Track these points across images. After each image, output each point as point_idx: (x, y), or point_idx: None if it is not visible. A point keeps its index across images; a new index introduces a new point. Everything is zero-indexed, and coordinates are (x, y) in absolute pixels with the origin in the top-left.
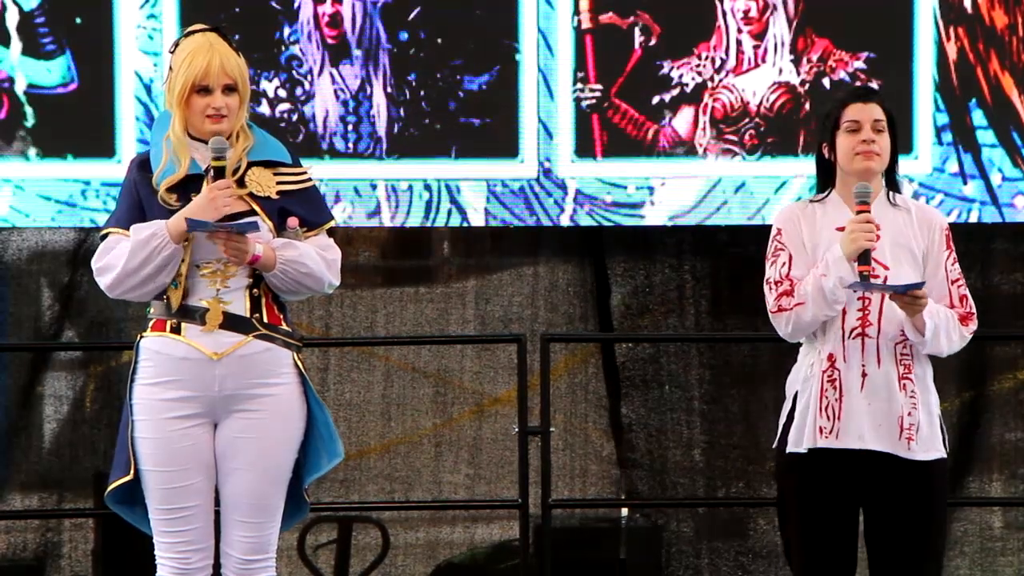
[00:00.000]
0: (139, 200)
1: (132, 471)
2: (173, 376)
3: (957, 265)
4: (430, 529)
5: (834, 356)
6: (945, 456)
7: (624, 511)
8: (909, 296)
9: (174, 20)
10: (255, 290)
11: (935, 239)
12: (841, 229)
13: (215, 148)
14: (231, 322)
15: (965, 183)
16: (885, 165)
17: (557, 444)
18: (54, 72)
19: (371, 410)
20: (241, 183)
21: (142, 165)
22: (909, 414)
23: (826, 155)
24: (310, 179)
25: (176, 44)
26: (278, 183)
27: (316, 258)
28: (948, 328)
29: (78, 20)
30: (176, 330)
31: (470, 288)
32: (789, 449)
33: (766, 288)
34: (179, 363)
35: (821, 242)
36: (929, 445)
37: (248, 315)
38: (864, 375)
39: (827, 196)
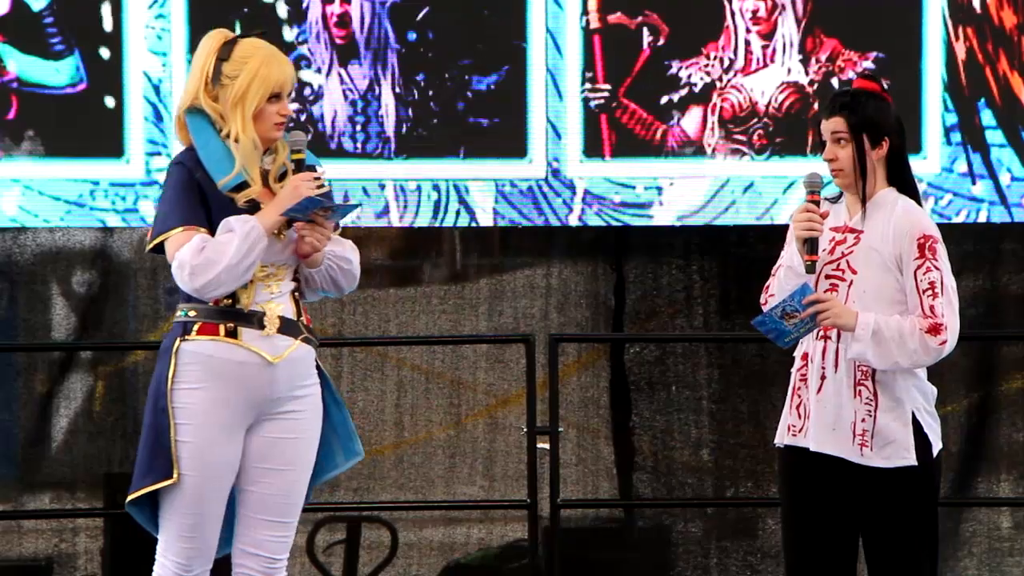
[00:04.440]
0: (204, 200)
1: (176, 474)
2: (226, 380)
3: (932, 274)
4: (439, 529)
5: (807, 355)
6: (915, 464)
7: (633, 511)
8: (810, 308)
9: (183, 20)
10: (296, 293)
11: (906, 247)
12: (834, 229)
13: (294, 142)
14: (285, 325)
15: (974, 183)
16: (852, 177)
17: (566, 445)
18: (62, 72)
19: (384, 419)
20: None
21: (201, 164)
22: (863, 420)
23: None
24: (325, 183)
25: (228, 51)
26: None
27: (355, 255)
28: (903, 339)
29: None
30: (232, 334)
31: (482, 295)
32: (776, 443)
33: None
34: (236, 368)
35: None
36: (893, 452)
37: (295, 318)
38: (823, 378)
39: (839, 197)
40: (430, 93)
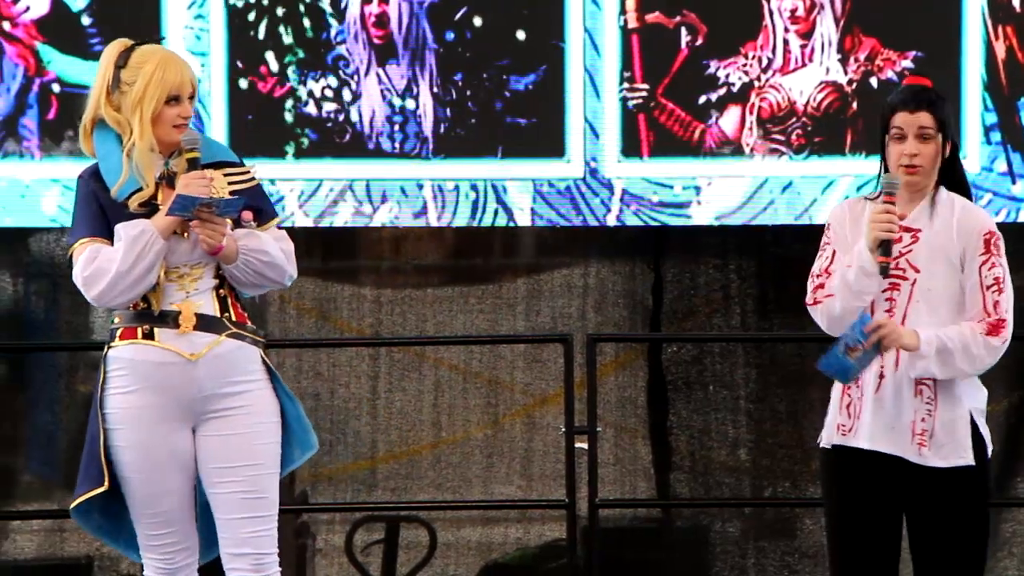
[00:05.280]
0: (102, 210)
1: (107, 482)
2: (150, 382)
3: (997, 270)
4: (477, 529)
5: None
6: (973, 464)
7: (670, 511)
8: (873, 336)
9: (221, 21)
10: (221, 291)
11: (972, 243)
12: None
13: (187, 140)
14: (204, 323)
15: (1014, 182)
16: (929, 176)
17: (603, 445)
18: None
19: (422, 418)
20: None
21: (96, 176)
22: (923, 419)
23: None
24: (254, 177)
25: (125, 59)
26: (229, 183)
27: (276, 246)
28: (967, 349)
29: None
30: (149, 336)
31: (520, 295)
32: (821, 444)
33: (808, 282)
34: (156, 368)
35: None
36: (951, 452)
37: (218, 315)
38: (881, 377)
39: (878, 197)
40: (468, 93)
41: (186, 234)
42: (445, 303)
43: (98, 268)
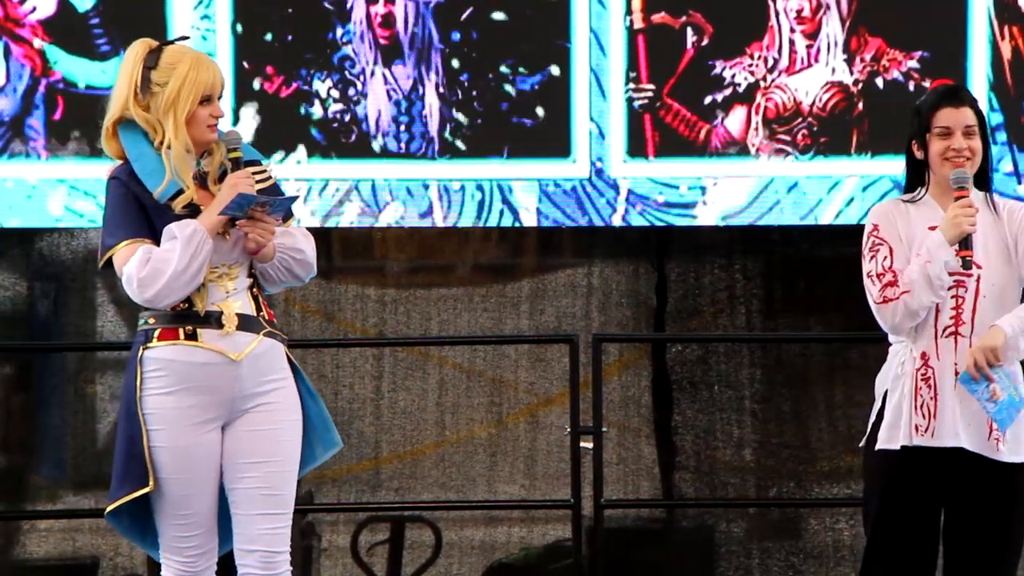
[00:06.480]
0: (144, 212)
1: (152, 482)
2: (192, 383)
3: None
4: (481, 529)
5: (927, 354)
6: None
7: (675, 511)
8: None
9: (227, 21)
10: (254, 289)
11: (1019, 221)
12: (934, 228)
13: (230, 140)
14: (244, 323)
15: (1020, 182)
16: (976, 169)
17: (607, 444)
18: (108, 73)
19: (425, 417)
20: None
21: (135, 177)
22: None
23: (916, 154)
24: (271, 176)
25: (155, 59)
26: (256, 181)
27: (308, 244)
28: None
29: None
30: (192, 336)
31: (524, 294)
32: (879, 447)
33: (868, 282)
34: (199, 369)
35: (915, 240)
36: (1016, 447)
37: (255, 314)
38: (956, 374)
39: (921, 197)
40: (474, 93)
41: (227, 235)
42: (449, 303)
43: (153, 269)
